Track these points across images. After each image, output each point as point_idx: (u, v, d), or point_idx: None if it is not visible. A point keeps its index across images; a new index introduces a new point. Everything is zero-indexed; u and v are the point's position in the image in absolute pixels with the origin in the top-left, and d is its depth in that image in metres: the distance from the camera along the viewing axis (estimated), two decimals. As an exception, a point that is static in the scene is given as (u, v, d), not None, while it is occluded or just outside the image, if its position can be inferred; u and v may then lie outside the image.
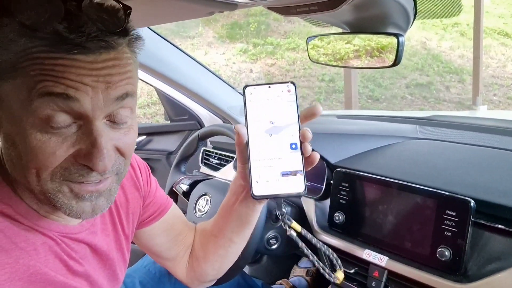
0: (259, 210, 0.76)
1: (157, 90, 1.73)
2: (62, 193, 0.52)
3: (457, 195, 0.83)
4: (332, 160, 1.11)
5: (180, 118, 1.86)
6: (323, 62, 1.01)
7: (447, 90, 7.26)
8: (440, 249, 0.83)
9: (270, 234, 1.14)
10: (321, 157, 1.12)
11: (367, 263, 0.95)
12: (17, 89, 0.48)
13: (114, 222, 0.73)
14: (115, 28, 0.50)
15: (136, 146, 1.89)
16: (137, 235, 0.86)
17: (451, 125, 1.34)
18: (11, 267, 0.51)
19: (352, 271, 0.97)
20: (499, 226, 0.80)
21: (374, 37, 0.92)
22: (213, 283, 0.92)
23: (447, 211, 0.83)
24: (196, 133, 1.24)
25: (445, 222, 0.83)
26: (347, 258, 1.00)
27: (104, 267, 0.69)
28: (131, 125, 0.56)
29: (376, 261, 0.92)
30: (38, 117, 0.48)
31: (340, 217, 1.02)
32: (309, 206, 1.14)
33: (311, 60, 1.01)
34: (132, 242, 0.82)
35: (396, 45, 0.77)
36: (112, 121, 0.53)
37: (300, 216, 1.18)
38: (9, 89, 0.49)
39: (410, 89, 7.14)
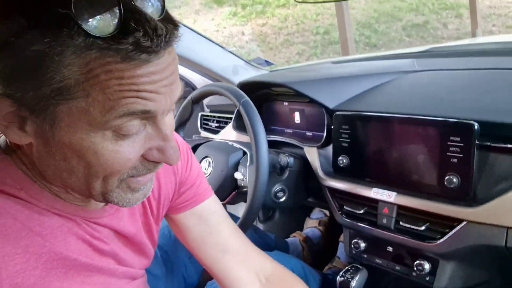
0: None
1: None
2: (120, 189, 0.51)
3: (459, 120, 0.81)
4: (330, 105, 1.08)
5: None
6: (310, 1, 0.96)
7: (444, 27, 7.09)
8: (447, 177, 0.82)
9: (277, 187, 1.13)
10: (319, 103, 1.10)
11: (376, 201, 0.94)
12: (82, 111, 0.43)
13: (144, 207, 0.69)
14: (170, 19, 0.46)
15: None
16: (170, 223, 0.82)
17: (449, 53, 1.31)
18: (21, 257, 0.48)
19: (362, 211, 0.96)
20: (506, 145, 0.78)
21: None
22: None
23: (451, 138, 0.81)
24: (189, 97, 1.22)
25: (450, 149, 0.81)
26: (356, 200, 0.99)
27: (132, 245, 0.66)
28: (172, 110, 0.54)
29: (384, 198, 0.91)
30: (112, 130, 0.45)
31: (344, 161, 1.01)
32: (313, 155, 1.13)
33: (296, 1, 0.96)
34: None
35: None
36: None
37: (304, 167, 1.17)
38: (69, 110, 0.44)
39: (407, 31, 6.97)
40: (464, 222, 0.81)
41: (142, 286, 0.69)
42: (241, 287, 0.78)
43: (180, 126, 1.28)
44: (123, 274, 0.62)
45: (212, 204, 0.81)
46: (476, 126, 0.78)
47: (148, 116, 0.47)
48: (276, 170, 1.12)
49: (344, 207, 1.01)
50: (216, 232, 0.79)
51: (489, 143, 0.80)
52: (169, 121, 0.52)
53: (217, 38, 6.68)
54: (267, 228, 1.68)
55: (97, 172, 0.48)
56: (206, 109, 1.67)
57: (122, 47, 0.41)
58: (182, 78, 1.69)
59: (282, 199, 1.14)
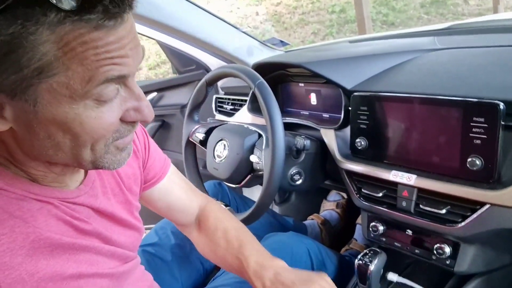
0: None
1: (160, 43, 1.68)
2: (110, 153, 0.54)
3: (483, 100, 0.77)
4: (348, 85, 1.06)
5: (187, 69, 1.81)
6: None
7: (465, 3, 6.86)
8: (470, 159, 0.79)
9: (293, 170, 1.12)
10: (336, 84, 1.07)
11: (395, 184, 0.92)
12: (63, 85, 0.45)
13: (117, 183, 0.71)
14: None
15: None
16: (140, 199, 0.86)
17: (472, 30, 1.25)
18: (7, 237, 0.49)
19: (380, 194, 0.94)
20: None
21: None
22: None
23: (474, 118, 0.78)
24: (203, 79, 1.20)
25: (474, 130, 0.78)
26: (374, 182, 0.97)
27: (116, 224, 0.68)
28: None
29: (404, 180, 0.89)
30: (92, 98, 0.47)
31: (362, 143, 0.98)
32: (330, 137, 1.10)
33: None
34: None
35: None
36: None
37: (322, 149, 1.15)
38: (50, 86, 0.45)
39: (426, 8, 6.77)
40: (487, 205, 0.78)
41: (137, 271, 0.71)
42: (190, 229, 0.94)
43: (194, 108, 1.27)
44: (110, 253, 0.63)
45: (172, 176, 0.89)
46: (501, 105, 0.75)
47: (121, 80, 0.49)
48: (292, 152, 1.11)
49: (362, 190, 1.00)
50: (177, 198, 0.90)
51: (515, 123, 0.77)
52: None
53: (231, 19, 6.60)
54: (284, 211, 1.67)
55: (85, 142, 0.50)
56: (221, 92, 1.66)
57: (93, 16, 0.43)
58: (195, 60, 1.67)
59: (298, 182, 1.13)
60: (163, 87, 1.90)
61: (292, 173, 1.11)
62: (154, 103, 1.90)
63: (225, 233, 0.87)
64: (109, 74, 0.46)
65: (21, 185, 0.53)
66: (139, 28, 1.42)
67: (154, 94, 1.90)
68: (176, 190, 0.90)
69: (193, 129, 1.27)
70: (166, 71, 5.86)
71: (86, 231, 0.59)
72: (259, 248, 0.84)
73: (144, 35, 1.50)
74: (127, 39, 0.47)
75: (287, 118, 1.25)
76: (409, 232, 0.96)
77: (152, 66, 5.91)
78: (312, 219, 1.58)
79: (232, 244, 0.85)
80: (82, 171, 0.64)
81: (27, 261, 0.50)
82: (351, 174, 1.03)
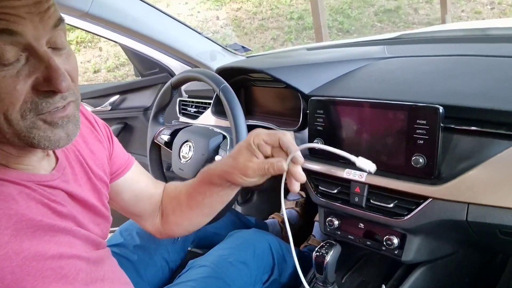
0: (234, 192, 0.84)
1: (122, 46, 1.69)
2: (37, 128, 0.54)
3: (425, 104, 0.86)
4: (306, 90, 1.13)
5: (150, 73, 1.83)
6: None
7: (415, 13, 7.21)
8: (414, 157, 0.88)
9: (255, 170, 1.17)
10: (295, 89, 1.14)
11: (348, 181, 1.00)
12: None
13: (86, 172, 0.74)
14: None
15: (110, 106, 1.88)
16: None
17: (418, 40, 1.37)
18: None
19: (335, 190, 1.02)
20: (468, 127, 0.85)
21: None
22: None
23: (417, 121, 0.87)
24: (168, 82, 1.24)
25: (417, 131, 0.87)
26: (330, 180, 1.05)
27: (87, 211, 0.70)
28: (70, 51, 0.58)
29: (356, 178, 0.97)
30: None
31: (319, 143, 1.06)
32: (289, 138, 1.17)
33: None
34: None
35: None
36: (54, 47, 0.55)
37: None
38: None
39: (379, 16, 7.06)
40: (429, 199, 0.87)
41: (108, 259, 0.73)
42: (148, 217, 0.95)
43: (159, 111, 1.31)
44: (85, 237, 0.66)
45: (137, 165, 0.92)
46: (441, 109, 0.84)
47: (25, 46, 0.51)
48: (254, 153, 1.16)
49: (319, 187, 1.07)
50: (144, 186, 0.93)
51: (452, 126, 0.86)
52: (69, 65, 0.57)
53: (191, 23, 6.60)
54: (246, 211, 1.73)
55: None
56: (184, 95, 1.69)
57: None
58: (158, 63, 1.70)
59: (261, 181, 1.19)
60: (125, 90, 1.91)
61: (254, 172, 1.17)
62: (116, 105, 1.90)
63: (187, 189, 0.90)
64: None
65: None
66: (99, 30, 1.43)
67: (117, 96, 1.90)
68: (143, 178, 0.93)
69: (158, 131, 1.30)
70: (125, 73, 5.77)
71: (63, 214, 0.62)
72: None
73: (105, 38, 1.51)
74: (18, 1, 0.49)
75: (249, 121, 1.31)
76: (361, 225, 1.04)
77: (111, 68, 5.81)
78: (273, 218, 1.65)
79: (195, 193, 0.87)
80: (52, 158, 0.66)
81: (12, 241, 0.53)
82: (310, 172, 1.10)
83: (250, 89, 1.39)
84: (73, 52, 0.59)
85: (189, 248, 1.28)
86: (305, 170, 1.10)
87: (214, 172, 0.80)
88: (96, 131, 0.81)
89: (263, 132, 0.73)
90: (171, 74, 1.71)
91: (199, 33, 1.63)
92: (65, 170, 0.67)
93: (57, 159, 0.67)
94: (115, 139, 0.88)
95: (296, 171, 0.70)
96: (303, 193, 1.73)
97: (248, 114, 1.42)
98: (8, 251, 0.52)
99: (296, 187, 0.72)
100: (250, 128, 1.13)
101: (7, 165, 0.58)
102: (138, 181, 0.92)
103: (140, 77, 1.93)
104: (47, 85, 0.52)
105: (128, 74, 5.71)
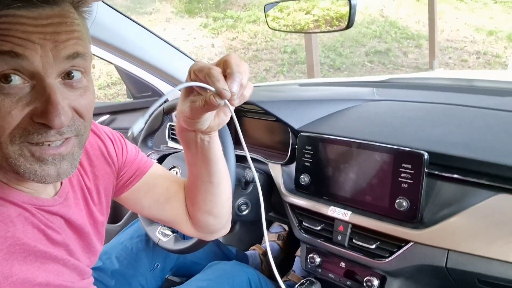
0: (215, 139, 0.75)
1: (117, 67, 1.71)
2: (24, 157, 0.52)
3: (411, 149, 0.89)
4: (296, 125, 1.15)
5: (143, 95, 1.84)
6: (283, 30, 1.03)
7: (404, 56, 7.45)
8: (398, 200, 0.89)
9: (241, 200, 1.18)
10: (285, 123, 1.16)
11: (332, 219, 1.00)
12: None
13: (85, 197, 0.73)
14: None
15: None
16: (124, 201, 0.86)
17: (407, 85, 1.41)
18: None
19: (319, 227, 1.02)
20: (452, 175, 0.87)
21: (332, 6, 0.94)
22: (226, 231, 0.93)
23: (403, 165, 0.89)
24: (160, 108, 1.25)
25: (402, 175, 0.89)
26: (314, 217, 1.05)
27: (80, 239, 0.70)
28: (87, 87, 0.56)
29: (340, 216, 0.98)
30: None
31: (306, 179, 1.07)
32: (276, 172, 1.18)
33: (270, 28, 1.02)
34: (113, 222, 0.83)
35: (349, 8, 0.80)
36: (66, 80, 0.53)
37: (268, 182, 1.22)
38: None
39: (370, 56, 7.27)
40: (411, 243, 0.88)
41: None
42: (182, 219, 0.88)
43: (149, 135, 1.31)
44: (73, 266, 0.65)
45: (155, 169, 0.88)
46: (426, 156, 0.86)
47: (32, 73, 0.50)
48: (241, 184, 1.17)
49: (303, 223, 1.07)
50: (165, 189, 0.87)
51: (436, 172, 0.88)
52: (80, 102, 0.55)
53: (187, 48, 6.70)
54: (228, 241, 1.71)
55: None
56: (175, 120, 1.70)
57: None
58: (151, 87, 1.71)
59: (244, 212, 1.19)
60: (116, 110, 1.91)
61: (239, 203, 1.17)
62: (105, 125, 1.89)
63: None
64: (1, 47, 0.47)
65: (1, 190, 0.55)
66: (95, 49, 1.45)
67: (107, 116, 1.90)
68: (162, 182, 0.87)
69: (147, 155, 1.30)
70: (116, 92, 5.78)
71: (57, 241, 0.61)
72: None
73: (100, 57, 1.52)
74: (33, 27, 0.48)
75: (238, 151, 1.32)
76: (343, 264, 1.04)
77: (102, 86, 5.81)
78: (254, 249, 1.63)
79: (190, 169, 0.83)
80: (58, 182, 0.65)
81: (3, 264, 0.52)
82: (294, 207, 1.10)
83: (241, 119, 1.40)
84: (91, 88, 0.57)
85: (167, 276, 1.26)
86: (290, 204, 1.11)
87: (179, 135, 0.75)
88: (108, 153, 0.78)
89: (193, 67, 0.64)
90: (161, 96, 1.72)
91: (194, 60, 1.65)
92: (67, 195, 0.67)
93: (61, 182, 0.66)
94: (130, 147, 0.84)
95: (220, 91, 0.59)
96: (285, 226, 1.72)
97: (237, 144, 1.42)
98: None
99: (222, 117, 0.68)
100: (238, 158, 1.14)
101: (8, 184, 0.57)
102: (156, 185, 0.86)
103: (132, 99, 1.94)
104: (42, 118, 0.51)
105: (119, 93, 5.72)
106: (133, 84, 1.88)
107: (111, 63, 1.58)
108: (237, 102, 0.61)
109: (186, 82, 0.61)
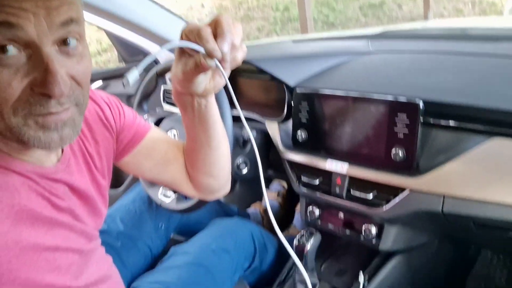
0: (212, 102, 0.75)
1: (107, 32, 1.68)
2: (28, 126, 0.52)
3: (406, 98, 0.89)
4: (291, 82, 1.14)
5: (135, 59, 1.82)
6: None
7: (399, 8, 7.30)
8: (394, 151, 0.90)
9: (239, 159, 1.19)
10: (281, 81, 1.16)
11: (330, 172, 1.02)
12: None
13: (87, 163, 0.74)
14: None
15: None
16: (124, 166, 0.88)
17: (401, 36, 1.39)
18: None
19: (317, 181, 1.04)
20: (447, 122, 0.87)
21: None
22: (226, 190, 0.95)
23: (398, 115, 0.89)
24: (154, 70, 1.24)
25: (397, 125, 0.90)
26: (312, 171, 1.07)
27: (85, 204, 0.71)
28: (83, 53, 0.56)
29: (337, 169, 1.00)
30: None
31: (303, 135, 1.08)
32: (274, 129, 1.19)
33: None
34: (114, 186, 0.84)
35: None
36: (62, 47, 0.53)
37: (266, 140, 1.23)
38: None
39: (364, 10, 7.12)
40: (407, 190, 0.90)
41: (98, 249, 0.74)
42: (182, 181, 0.90)
43: (144, 99, 1.31)
44: (81, 230, 0.66)
45: (153, 132, 0.88)
46: (421, 104, 0.87)
47: (27, 42, 0.49)
48: (239, 143, 1.18)
49: (302, 178, 1.09)
50: (164, 152, 0.88)
51: (432, 120, 0.89)
52: (78, 69, 0.54)
53: (176, 10, 6.52)
54: (229, 200, 1.74)
55: None
56: (169, 83, 1.69)
57: None
58: (143, 50, 1.68)
59: (244, 171, 1.21)
60: (109, 76, 1.90)
61: (238, 162, 1.19)
62: (99, 91, 1.88)
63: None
64: None
65: (3, 160, 0.56)
66: (86, 15, 1.42)
67: (99, 82, 1.88)
68: (161, 145, 0.88)
69: (144, 119, 1.31)
70: (107, 59, 5.69)
71: (62, 208, 0.63)
72: None
73: (90, 23, 1.49)
74: None
75: (234, 110, 1.32)
76: (341, 215, 1.07)
77: (93, 53, 5.71)
78: (255, 207, 1.67)
79: (188, 132, 0.83)
80: (58, 149, 0.66)
81: (12, 230, 0.53)
82: (292, 163, 1.12)
83: (235, 79, 1.39)
84: (87, 55, 0.57)
85: (171, 236, 1.29)
86: (289, 161, 1.13)
87: (176, 98, 0.75)
88: (106, 118, 0.79)
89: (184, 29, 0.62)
90: (155, 61, 1.70)
91: (186, 21, 1.62)
92: (69, 161, 0.67)
93: (62, 149, 0.67)
94: (127, 111, 0.84)
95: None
96: (284, 184, 1.75)
97: (232, 104, 1.42)
98: (8, 240, 0.53)
99: (218, 80, 0.69)
100: (236, 118, 1.15)
101: (10, 154, 0.58)
102: (155, 149, 0.87)
103: (124, 64, 1.91)
104: (41, 88, 0.50)
105: (110, 60, 5.63)
106: (124, 48, 1.85)
107: (102, 28, 1.55)
108: (229, 66, 0.61)
109: (175, 41, 0.60)
